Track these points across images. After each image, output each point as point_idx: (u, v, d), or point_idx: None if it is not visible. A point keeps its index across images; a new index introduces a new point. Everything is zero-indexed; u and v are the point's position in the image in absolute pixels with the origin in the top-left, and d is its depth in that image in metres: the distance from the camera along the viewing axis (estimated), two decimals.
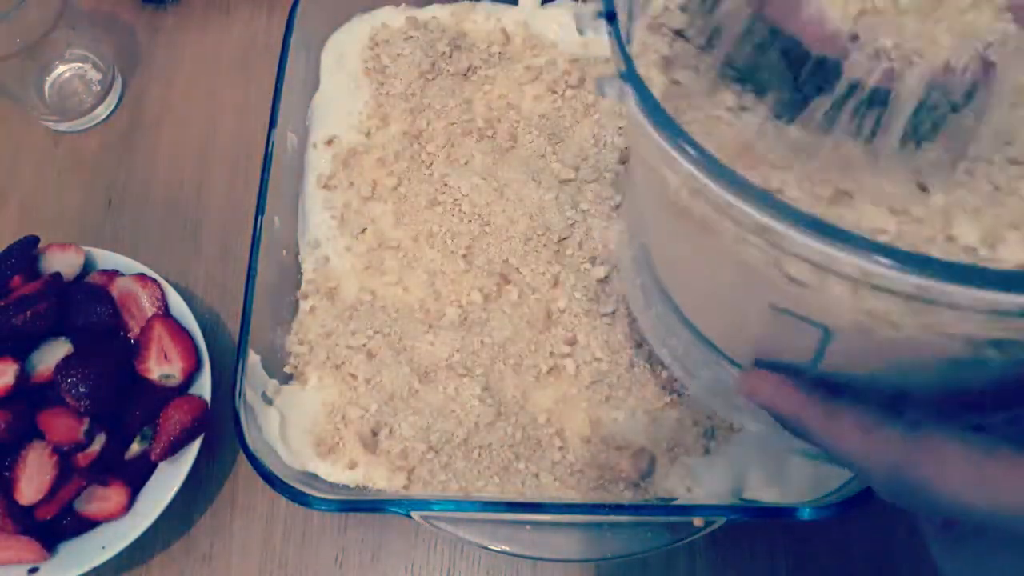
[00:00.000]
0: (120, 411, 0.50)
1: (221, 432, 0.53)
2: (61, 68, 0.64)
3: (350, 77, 0.60)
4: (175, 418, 0.49)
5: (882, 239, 0.25)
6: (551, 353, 0.50)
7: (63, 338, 0.51)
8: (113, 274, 0.54)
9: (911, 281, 0.21)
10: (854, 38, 0.25)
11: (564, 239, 0.53)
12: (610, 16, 0.28)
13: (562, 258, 0.53)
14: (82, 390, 0.48)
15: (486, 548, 0.46)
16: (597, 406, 0.49)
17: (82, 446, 0.48)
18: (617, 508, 0.45)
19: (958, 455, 0.25)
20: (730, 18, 0.28)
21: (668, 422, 0.49)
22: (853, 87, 0.25)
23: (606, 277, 0.52)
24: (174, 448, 0.49)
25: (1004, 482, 0.24)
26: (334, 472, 0.49)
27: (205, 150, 0.64)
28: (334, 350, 0.51)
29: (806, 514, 0.43)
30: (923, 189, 0.26)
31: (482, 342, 0.51)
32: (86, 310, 0.52)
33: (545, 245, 0.53)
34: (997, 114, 0.25)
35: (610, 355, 0.50)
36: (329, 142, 0.58)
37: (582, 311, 0.51)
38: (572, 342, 0.50)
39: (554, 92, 0.58)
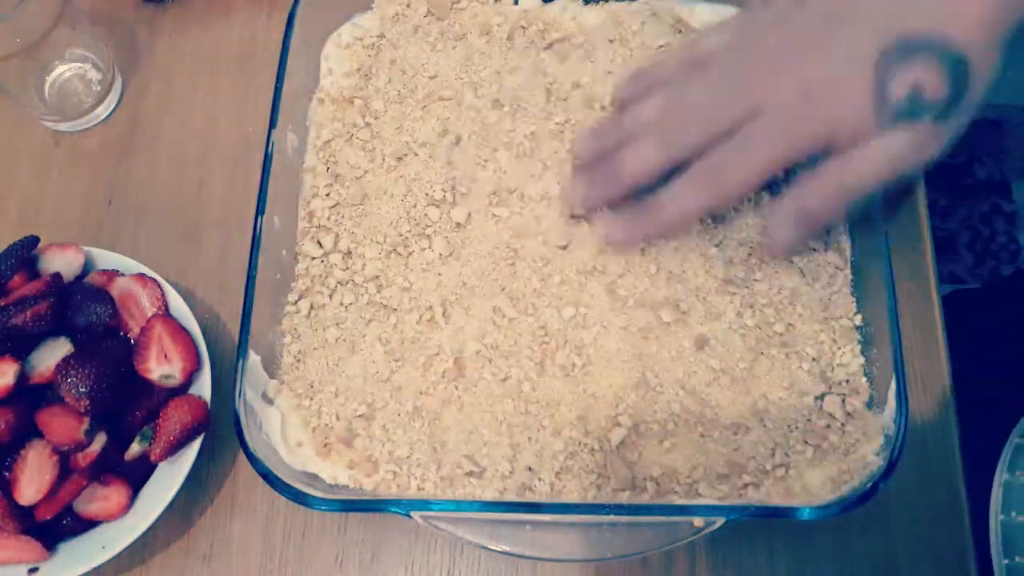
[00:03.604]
0: (120, 411, 0.50)
1: (221, 432, 0.53)
2: (61, 68, 0.64)
3: (350, 77, 0.60)
4: (175, 418, 0.49)
5: None
6: (553, 360, 0.50)
7: (63, 338, 0.51)
8: (113, 274, 0.54)
9: None
10: None
11: (566, 245, 0.53)
12: None
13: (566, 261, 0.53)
14: (82, 390, 0.48)
15: (486, 548, 0.46)
16: (598, 407, 0.49)
17: (82, 446, 0.48)
18: (617, 508, 0.45)
19: None
20: None
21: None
22: None
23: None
24: (174, 448, 0.49)
25: None
26: (334, 472, 0.49)
27: (205, 150, 0.64)
28: (334, 350, 0.52)
29: (806, 514, 0.43)
30: None
31: (484, 345, 0.51)
32: (86, 310, 0.52)
33: (549, 246, 0.53)
34: None
35: (606, 359, 0.50)
36: (329, 142, 0.58)
37: (580, 325, 0.51)
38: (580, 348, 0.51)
39: None
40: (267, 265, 0.51)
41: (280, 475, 0.45)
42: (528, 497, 0.47)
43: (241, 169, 0.63)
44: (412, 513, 0.45)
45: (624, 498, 0.47)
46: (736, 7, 0.60)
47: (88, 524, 0.49)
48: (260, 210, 0.51)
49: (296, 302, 0.53)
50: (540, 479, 0.48)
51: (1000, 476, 0.43)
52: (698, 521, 0.44)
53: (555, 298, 0.52)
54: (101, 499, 0.49)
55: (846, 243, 0.53)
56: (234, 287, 0.59)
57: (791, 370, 0.50)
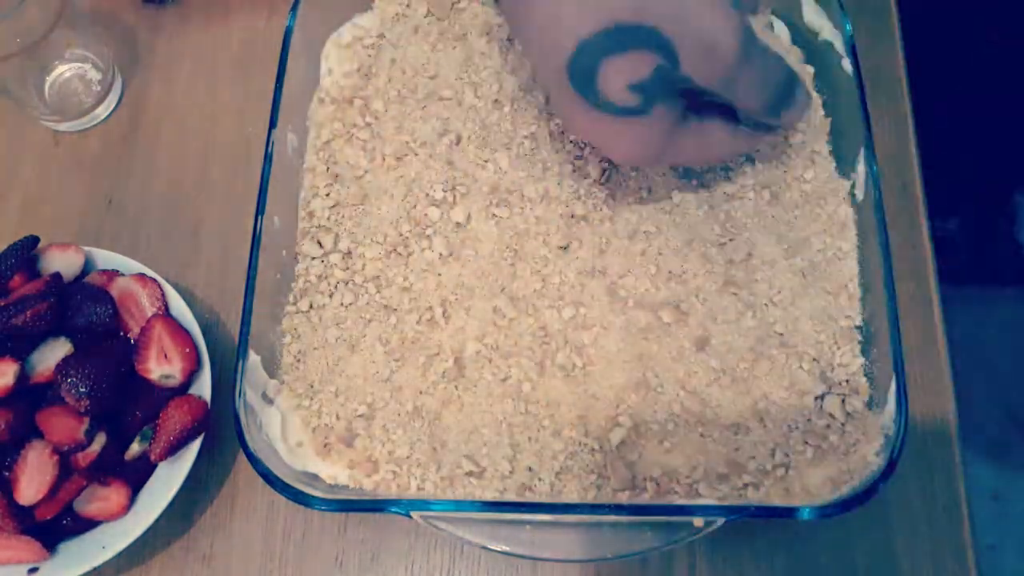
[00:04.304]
0: (120, 411, 0.50)
1: (221, 432, 0.53)
2: (61, 68, 0.64)
3: (350, 77, 0.60)
4: (175, 418, 0.49)
5: None
6: (553, 360, 0.50)
7: (63, 338, 0.51)
8: (113, 274, 0.54)
9: None
10: None
11: (566, 246, 0.53)
12: None
13: (571, 263, 0.53)
14: (82, 390, 0.48)
15: (486, 548, 0.46)
16: (598, 407, 0.49)
17: (82, 446, 0.48)
18: (617, 508, 0.45)
19: None
20: None
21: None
22: None
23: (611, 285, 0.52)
24: (174, 448, 0.49)
25: None
26: (334, 472, 0.49)
27: (205, 150, 0.64)
28: (334, 350, 0.52)
29: (806, 514, 0.43)
30: None
31: (484, 345, 0.51)
32: (86, 310, 0.52)
33: (549, 247, 0.53)
34: None
35: (606, 359, 0.50)
36: (329, 142, 0.58)
37: (581, 326, 0.51)
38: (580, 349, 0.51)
39: None
40: (267, 265, 0.51)
41: (280, 475, 0.45)
42: (528, 497, 0.47)
43: (241, 169, 0.63)
44: (412, 513, 0.45)
45: (624, 498, 0.47)
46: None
47: (88, 524, 0.49)
48: (260, 210, 0.51)
49: (296, 302, 0.53)
50: (540, 479, 0.48)
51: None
52: (698, 521, 0.45)
53: (555, 298, 0.52)
54: (101, 499, 0.49)
55: (846, 242, 0.53)
56: (234, 287, 0.59)
57: (791, 370, 0.50)
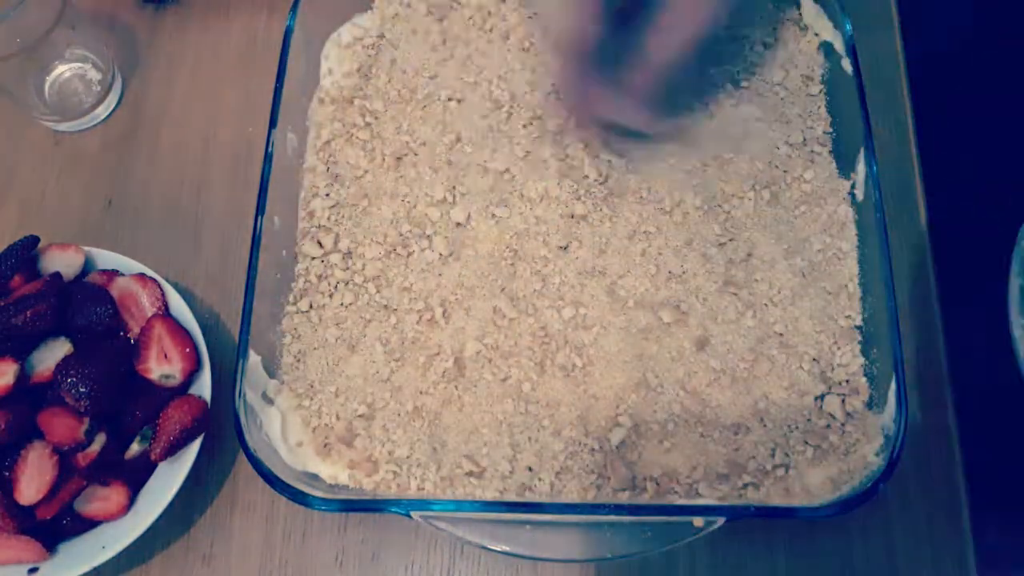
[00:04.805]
0: (120, 411, 0.50)
1: (221, 432, 0.53)
2: (61, 68, 0.64)
3: (350, 77, 0.60)
4: (175, 418, 0.49)
5: None
6: (553, 361, 0.50)
7: (63, 338, 0.51)
8: (113, 274, 0.54)
9: None
10: None
11: (566, 246, 0.53)
12: None
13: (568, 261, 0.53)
14: (82, 390, 0.48)
15: (486, 548, 0.46)
16: (598, 407, 0.49)
17: (82, 446, 0.48)
18: (617, 508, 0.45)
19: None
20: None
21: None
22: None
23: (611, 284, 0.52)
24: (174, 448, 0.49)
25: None
26: (334, 472, 0.49)
27: (205, 150, 0.64)
28: (334, 350, 0.52)
29: (806, 514, 0.43)
30: None
31: (484, 346, 0.51)
32: (86, 310, 0.52)
33: (549, 247, 0.53)
34: None
35: (606, 359, 0.50)
36: (329, 142, 0.58)
37: (581, 326, 0.51)
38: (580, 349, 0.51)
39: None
40: (267, 265, 0.51)
41: (280, 475, 0.45)
42: (528, 497, 0.47)
43: (241, 169, 0.63)
44: (412, 513, 0.45)
45: (624, 498, 0.47)
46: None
47: (88, 524, 0.49)
48: (260, 210, 0.51)
49: (296, 302, 0.53)
50: (540, 479, 0.48)
51: (1015, 280, 0.45)
52: (698, 521, 0.44)
53: (555, 299, 0.52)
54: (101, 499, 0.49)
55: (846, 242, 0.53)
56: (234, 287, 0.59)
57: (791, 370, 0.50)
